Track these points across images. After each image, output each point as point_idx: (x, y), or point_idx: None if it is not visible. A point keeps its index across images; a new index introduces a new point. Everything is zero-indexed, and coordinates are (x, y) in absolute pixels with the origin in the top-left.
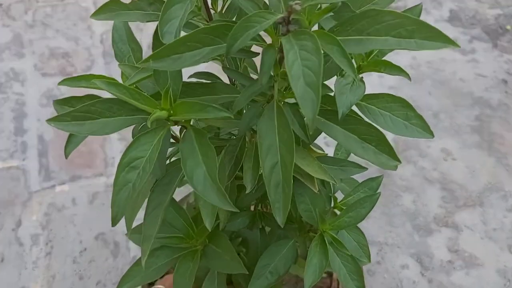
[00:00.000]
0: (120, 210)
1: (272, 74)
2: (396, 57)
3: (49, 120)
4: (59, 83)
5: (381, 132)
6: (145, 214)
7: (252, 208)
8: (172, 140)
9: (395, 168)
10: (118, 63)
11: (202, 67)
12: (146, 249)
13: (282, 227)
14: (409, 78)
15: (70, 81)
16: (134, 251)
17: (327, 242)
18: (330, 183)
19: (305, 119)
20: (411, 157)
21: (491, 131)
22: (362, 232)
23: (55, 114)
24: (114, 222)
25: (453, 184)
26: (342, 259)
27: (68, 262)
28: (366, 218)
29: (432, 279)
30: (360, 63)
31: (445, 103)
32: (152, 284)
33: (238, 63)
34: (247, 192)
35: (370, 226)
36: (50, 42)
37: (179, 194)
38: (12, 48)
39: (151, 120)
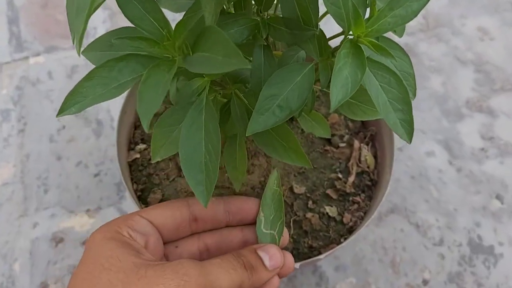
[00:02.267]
0: None
1: None
2: None
3: None
4: None
5: None
6: None
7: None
8: None
9: None
10: None
11: None
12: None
13: None
14: None
15: None
16: None
17: (363, 50)
18: None
19: None
20: (442, 36)
21: None
22: (407, 55)
23: None
24: None
25: (489, 65)
26: (382, 81)
27: (44, 141)
28: None
29: (461, 167)
30: None
31: None
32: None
33: None
34: None
35: None
36: None
37: None
38: None
39: None
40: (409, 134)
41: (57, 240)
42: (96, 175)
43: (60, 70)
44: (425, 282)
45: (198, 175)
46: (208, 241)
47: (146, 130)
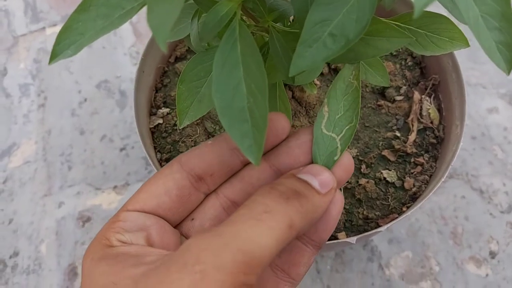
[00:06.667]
0: None
1: None
2: None
3: None
4: None
5: None
6: None
7: None
8: None
9: None
10: None
11: None
12: None
13: None
14: None
15: None
16: None
17: None
18: None
19: None
20: None
21: None
22: None
23: None
24: None
25: None
26: None
27: (65, 115)
28: None
29: None
30: None
31: None
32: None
33: None
34: None
35: None
36: None
37: None
38: None
39: None
40: (508, 62)
41: (84, 219)
42: (122, 149)
43: None
44: (492, 254)
45: (242, 126)
46: (229, 194)
47: (163, 49)
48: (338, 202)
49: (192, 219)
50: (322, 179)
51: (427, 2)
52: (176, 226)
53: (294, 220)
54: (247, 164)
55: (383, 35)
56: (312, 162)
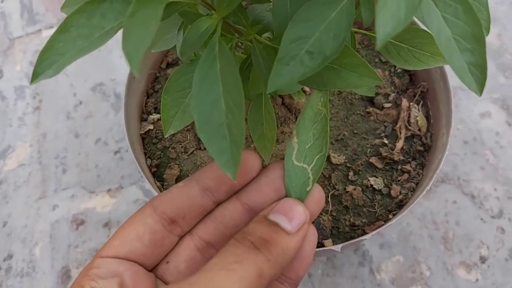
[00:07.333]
0: None
1: None
2: None
3: None
4: None
5: None
6: None
7: None
8: None
9: None
10: None
11: None
12: None
13: None
14: None
15: None
16: None
17: None
18: None
19: None
20: None
21: None
22: None
23: None
24: None
25: None
26: (445, 11)
27: (60, 118)
28: None
29: None
30: None
31: None
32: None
33: None
34: None
35: None
36: None
37: None
38: None
39: None
40: (479, 83)
41: (78, 222)
42: (116, 152)
43: None
44: (482, 259)
45: (221, 142)
46: (203, 235)
47: (135, 74)
48: (311, 237)
49: (167, 262)
50: (294, 215)
51: (389, 34)
52: (152, 269)
53: (263, 269)
54: (219, 204)
55: (355, 71)
56: (285, 196)
